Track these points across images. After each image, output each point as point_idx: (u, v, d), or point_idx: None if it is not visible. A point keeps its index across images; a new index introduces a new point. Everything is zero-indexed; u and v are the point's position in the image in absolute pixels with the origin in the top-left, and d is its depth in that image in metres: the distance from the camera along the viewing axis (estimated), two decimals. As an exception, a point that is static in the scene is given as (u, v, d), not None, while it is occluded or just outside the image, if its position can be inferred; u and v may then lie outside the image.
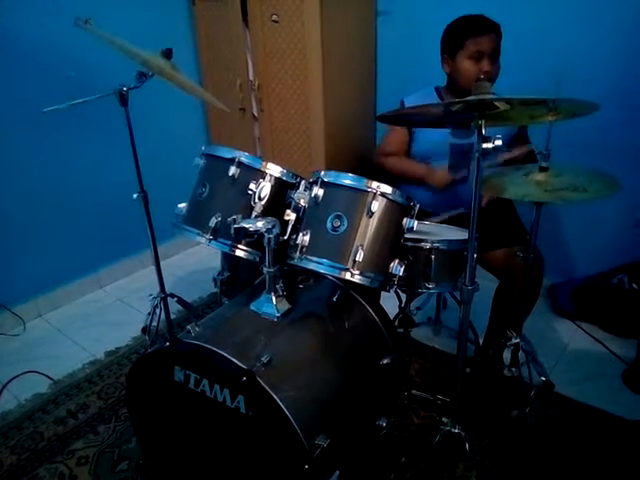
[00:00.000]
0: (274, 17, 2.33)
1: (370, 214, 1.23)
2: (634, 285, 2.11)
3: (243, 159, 1.37)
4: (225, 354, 1.16)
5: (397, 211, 1.28)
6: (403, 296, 1.69)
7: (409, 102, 1.87)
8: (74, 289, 2.54)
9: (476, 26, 1.67)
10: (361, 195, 1.24)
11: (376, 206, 1.23)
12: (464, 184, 1.82)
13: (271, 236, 1.26)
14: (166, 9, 2.61)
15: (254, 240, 1.34)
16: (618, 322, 2.15)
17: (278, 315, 1.32)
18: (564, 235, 2.40)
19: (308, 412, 1.16)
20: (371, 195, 1.23)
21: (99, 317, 2.42)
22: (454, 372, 1.40)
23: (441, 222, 1.70)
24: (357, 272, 1.22)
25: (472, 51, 1.66)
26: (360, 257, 1.22)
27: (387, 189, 1.24)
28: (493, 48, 1.66)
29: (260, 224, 1.25)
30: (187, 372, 1.18)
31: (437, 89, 1.88)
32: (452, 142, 1.80)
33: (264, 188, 1.37)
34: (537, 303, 1.78)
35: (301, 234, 1.25)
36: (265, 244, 1.27)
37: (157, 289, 1.91)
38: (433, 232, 1.56)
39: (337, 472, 1.17)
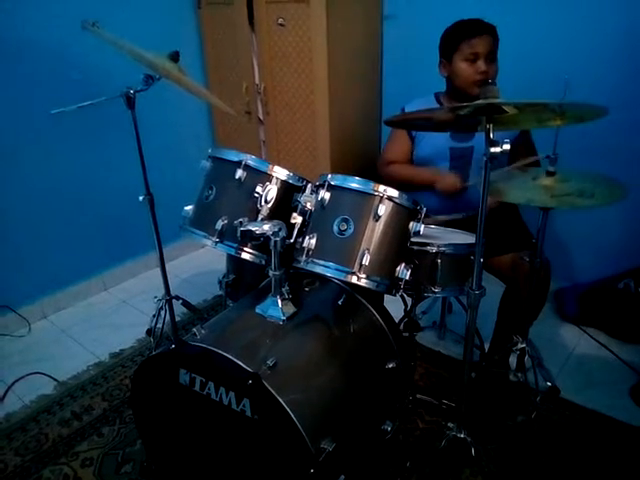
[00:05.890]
0: (280, 21, 2.34)
1: (377, 218, 1.23)
2: (640, 290, 2.10)
3: (250, 162, 1.37)
4: (231, 357, 1.15)
5: (404, 215, 1.28)
6: (408, 300, 1.69)
7: (409, 109, 1.88)
8: (79, 291, 2.55)
9: (470, 29, 1.69)
10: (368, 199, 1.24)
11: (383, 210, 1.23)
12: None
13: (277, 239, 1.25)
14: (172, 12, 2.62)
15: (260, 243, 1.34)
16: (624, 327, 2.14)
17: (284, 318, 1.31)
18: (570, 239, 2.39)
19: (314, 416, 1.16)
20: (378, 199, 1.23)
21: (104, 319, 2.42)
22: (459, 377, 1.39)
23: (438, 224, 1.69)
24: (364, 276, 1.22)
25: (467, 53, 1.68)
26: (366, 261, 1.21)
27: (394, 193, 1.24)
28: (488, 49, 1.68)
29: (266, 227, 1.25)
30: (192, 375, 1.18)
31: (436, 95, 1.88)
32: (452, 146, 1.80)
33: (270, 191, 1.37)
34: (543, 308, 1.77)
35: (307, 237, 1.25)
36: (271, 247, 1.27)
37: (162, 291, 1.92)
38: (440, 236, 1.55)
39: (342, 476, 1.17)
